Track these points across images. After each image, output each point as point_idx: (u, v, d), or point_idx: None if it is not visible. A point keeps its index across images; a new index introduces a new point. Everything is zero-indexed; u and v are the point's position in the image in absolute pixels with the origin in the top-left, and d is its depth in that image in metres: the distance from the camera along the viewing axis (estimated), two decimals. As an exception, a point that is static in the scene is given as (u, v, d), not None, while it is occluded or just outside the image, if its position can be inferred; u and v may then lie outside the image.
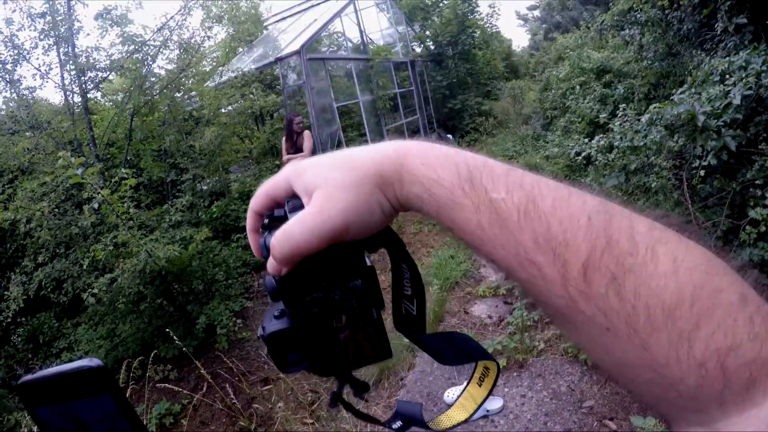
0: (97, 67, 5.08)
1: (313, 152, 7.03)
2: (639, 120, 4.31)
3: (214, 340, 5.06)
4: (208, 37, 5.96)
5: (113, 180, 4.19)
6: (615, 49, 9.28)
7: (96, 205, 3.62)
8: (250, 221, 0.53)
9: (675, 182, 4.00)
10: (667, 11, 7.98)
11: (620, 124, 4.26)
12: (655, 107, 4.15)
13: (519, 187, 0.39)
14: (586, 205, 0.38)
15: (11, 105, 5.13)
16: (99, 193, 3.63)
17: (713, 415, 0.34)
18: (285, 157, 6.88)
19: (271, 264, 0.45)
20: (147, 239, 4.36)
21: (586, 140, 4.42)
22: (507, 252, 0.39)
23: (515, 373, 3.81)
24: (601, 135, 4.20)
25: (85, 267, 4.26)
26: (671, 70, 7.22)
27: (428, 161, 0.43)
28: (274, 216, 0.49)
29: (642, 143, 3.96)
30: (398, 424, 0.57)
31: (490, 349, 4.14)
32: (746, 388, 0.33)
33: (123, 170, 4.19)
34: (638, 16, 8.84)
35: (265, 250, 0.46)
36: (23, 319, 5.76)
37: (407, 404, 0.57)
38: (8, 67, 4.84)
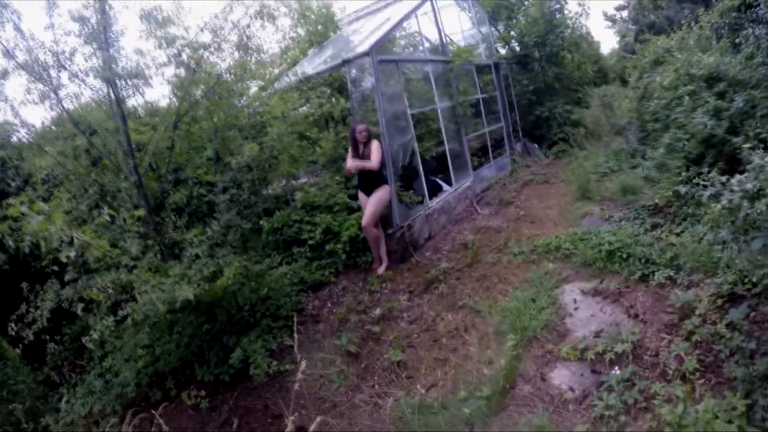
0: (133, 73, 4.71)
1: (383, 164, 6.42)
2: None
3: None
4: (257, 35, 5.45)
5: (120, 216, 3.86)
6: (722, 53, 8.02)
7: (72, 254, 3.13)
8: None
9: None
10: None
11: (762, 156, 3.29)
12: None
13: None
14: None
15: (59, 112, 4.88)
16: (74, 237, 3.13)
17: None
18: (349, 163, 6.35)
19: None
20: (156, 280, 3.94)
21: (721, 178, 3.45)
22: None
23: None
24: (744, 175, 3.22)
25: (78, 309, 3.89)
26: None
27: None
28: None
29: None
30: None
31: None
32: None
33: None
34: (761, 12, 7.57)
35: None
36: (64, 322, 5.75)
37: None
38: (52, 73, 4.63)
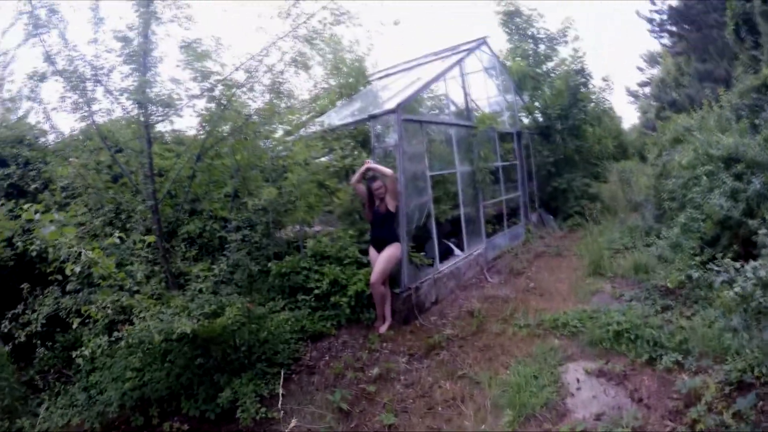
0: (163, 101, 4.86)
1: (397, 216, 6.50)
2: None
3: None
4: (289, 80, 5.63)
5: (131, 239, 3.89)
6: (741, 133, 8.06)
7: (77, 269, 3.16)
8: None
9: None
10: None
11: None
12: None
13: None
14: None
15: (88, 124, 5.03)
16: (82, 253, 3.18)
17: None
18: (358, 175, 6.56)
19: None
20: (156, 309, 3.95)
21: (735, 265, 3.42)
22: None
23: None
24: (759, 262, 3.19)
25: (73, 324, 3.89)
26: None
27: None
28: None
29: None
30: None
31: None
32: None
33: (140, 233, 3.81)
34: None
35: None
36: (58, 329, 5.71)
37: None
38: (88, 86, 4.75)
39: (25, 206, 3.08)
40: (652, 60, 35.66)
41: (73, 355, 3.88)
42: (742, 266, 3.34)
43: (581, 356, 5.11)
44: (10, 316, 4.49)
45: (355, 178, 6.65)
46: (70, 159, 5.26)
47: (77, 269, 3.11)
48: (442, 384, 5.02)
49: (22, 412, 4.73)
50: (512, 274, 8.92)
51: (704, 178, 7.22)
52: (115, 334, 3.93)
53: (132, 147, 5.19)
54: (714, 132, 8.65)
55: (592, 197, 13.13)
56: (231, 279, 5.33)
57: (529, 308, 6.79)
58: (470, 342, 6.00)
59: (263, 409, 4.50)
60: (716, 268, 3.65)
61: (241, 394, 4.52)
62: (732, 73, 9.98)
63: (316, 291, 6.46)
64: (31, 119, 7.60)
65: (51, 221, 3.08)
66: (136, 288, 4.11)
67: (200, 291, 4.68)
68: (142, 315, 3.84)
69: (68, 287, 4.48)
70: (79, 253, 3.16)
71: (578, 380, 4.57)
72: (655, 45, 34.49)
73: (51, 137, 5.60)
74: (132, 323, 3.94)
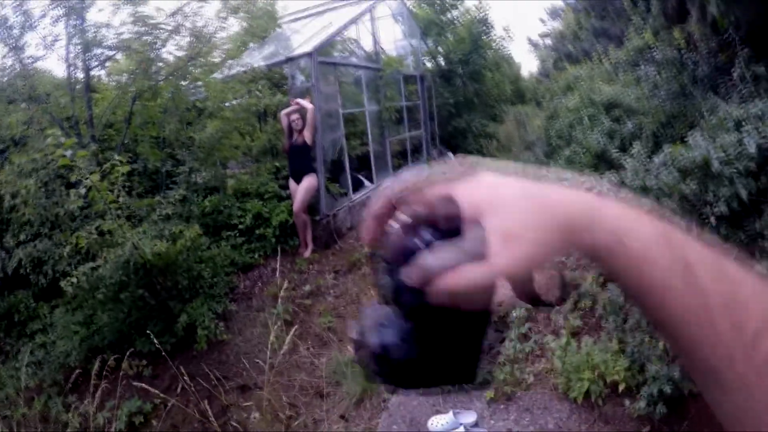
0: (105, 44, 4.94)
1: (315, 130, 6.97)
2: (651, 159, 4.23)
3: (194, 340, 4.89)
4: (222, 28, 5.84)
5: (105, 165, 4.07)
6: (625, 85, 9.24)
7: (83, 191, 3.46)
8: (379, 209, 0.47)
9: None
10: (683, 51, 7.98)
11: (632, 162, 4.17)
12: (668, 148, 4.08)
13: (708, 250, 0.40)
14: (755, 276, 0.39)
15: (12, 72, 4.94)
16: (87, 177, 3.48)
17: None
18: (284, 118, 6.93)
19: (439, 288, 0.39)
20: (134, 231, 4.22)
21: (597, 175, 4.32)
22: (691, 311, 0.38)
23: (502, 406, 3.68)
24: (612, 171, 4.09)
25: (65, 253, 4.08)
26: (683, 111, 7.16)
27: (623, 214, 0.41)
28: (431, 224, 0.43)
29: (653, 184, 3.87)
30: None
31: (478, 379, 3.99)
32: None
33: (116, 156, 4.04)
34: (655, 54, 8.84)
35: (420, 270, 0.40)
36: None
37: None
38: (14, 32, 4.71)
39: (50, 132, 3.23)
40: (554, 13, 37.11)
41: (61, 285, 4.05)
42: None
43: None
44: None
45: (287, 110, 6.96)
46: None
47: (82, 191, 3.34)
48: (367, 292, 5.74)
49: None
50: (417, 200, 9.72)
51: (586, 119, 8.28)
52: (90, 264, 4.10)
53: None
54: (597, 82, 9.78)
55: (489, 136, 14.13)
56: (178, 213, 5.54)
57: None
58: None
59: (221, 324, 4.94)
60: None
61: (198, 315, 4.89)
62: (625, 33, 11.12)
63: (240, 226, 6.86)
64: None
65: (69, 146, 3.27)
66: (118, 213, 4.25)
67: (167, 216, 4.93)
68: (126, 237, 4.06)
69: (21, 237, 4.56)
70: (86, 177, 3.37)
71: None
72: (558, 2, 35.92)
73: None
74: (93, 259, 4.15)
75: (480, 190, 0.42)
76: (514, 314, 4.43)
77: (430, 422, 3.58)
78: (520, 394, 3.74)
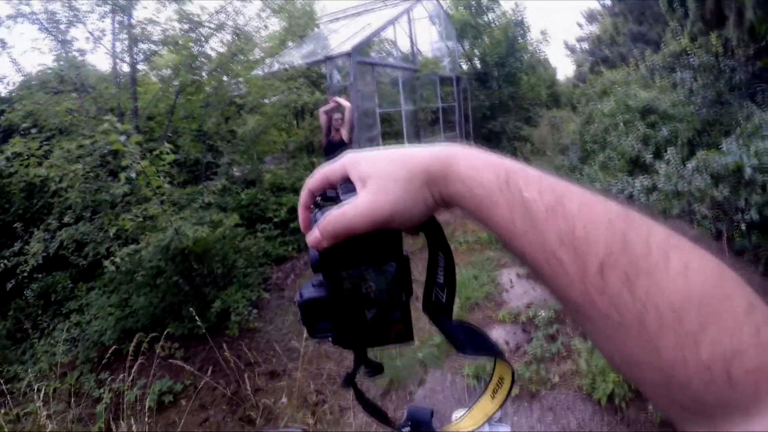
0: (150, 39, 5.15)
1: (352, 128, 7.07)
2: (684, 165, 4.24)
3: (226, 326, 5.05)
4: (265, 26, 6.03)
5: (153, 153, 4.26)
6: (662, 90, 9.13)
7: (133, 174, 3.65)
8: (304, 198, 0.57)
9: (714, 233, 3.93)
10: (720, 58, 7.87)
11: (666, 167, 4.19)
12: (702, 154, 4.08)
13: (550, 190, 0.43)
14: (609, 211, 0.41)
15: (61, 64, 5.18)
16: (138, 163, 3.66)
17: (718, 421, 0.36)
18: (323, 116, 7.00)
19: (315, 238, 0.50)
20: (177, 216, 4.39)
21: (629, 179, 4.35)
22: (534, 248, 0.42)
23: (526, 404, 3.73)
24: (645, 175, 4.12)
25: (111, 234, 4.29)
26: (718, 118, 7.08)
27: (472, 164, 0.46)
28: (327, 196, 0.55)
29: (686, 189, 3.89)
30: (407, 429, 0.62)
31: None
32: (753, 395, 0.34)
33: (165, 144, 4.23)
34: (691, 60, 8.73)
35: (314, 225, 0.51)
36: (39, 275, 5.76)
37: (418, 409, 0.64)
38: (62, 27, 4.90)
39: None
40: (591, 18, 36.71)
41: (104, 265, 4.24)
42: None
43: (513, 264, 6.00)
44: (8, 253, 4.72)
45: (326, 108, 7.06)
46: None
47: (133, 175, 3.53)
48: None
49: (13, 360, 5.08)
50: (452, 203, 9.77)
51: (621, 124, 8.23)
52: (132, 246, 4.29)
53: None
54: (633, 87, 9.68)
55: (523, 139, 14.09)
56: (217, 203, 5.74)
57: (468, 229, 7.66)
58: (419, 255, 6.77)
59: (255, 311, 5.07)
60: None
61: (232, 301, 5.02)
62: (663, 37, 11.01)
63: (275, 219, 7.02)
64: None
65: (123, 132, 3.45)
66: (162, 198, 4.45)
67: (209, 204, 5.13)
68: (165, 225, 4.25)
69: (64, 219, 4.75)
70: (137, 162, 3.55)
71: (511, 281, 5.50)
72: (595, 4, 35.54)
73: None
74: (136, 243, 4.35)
75: (363, 166, 0.51)
76: (542, 314, 4.48)
77: (454, 415, 3.65)
78: (544, 393, 3.78)
